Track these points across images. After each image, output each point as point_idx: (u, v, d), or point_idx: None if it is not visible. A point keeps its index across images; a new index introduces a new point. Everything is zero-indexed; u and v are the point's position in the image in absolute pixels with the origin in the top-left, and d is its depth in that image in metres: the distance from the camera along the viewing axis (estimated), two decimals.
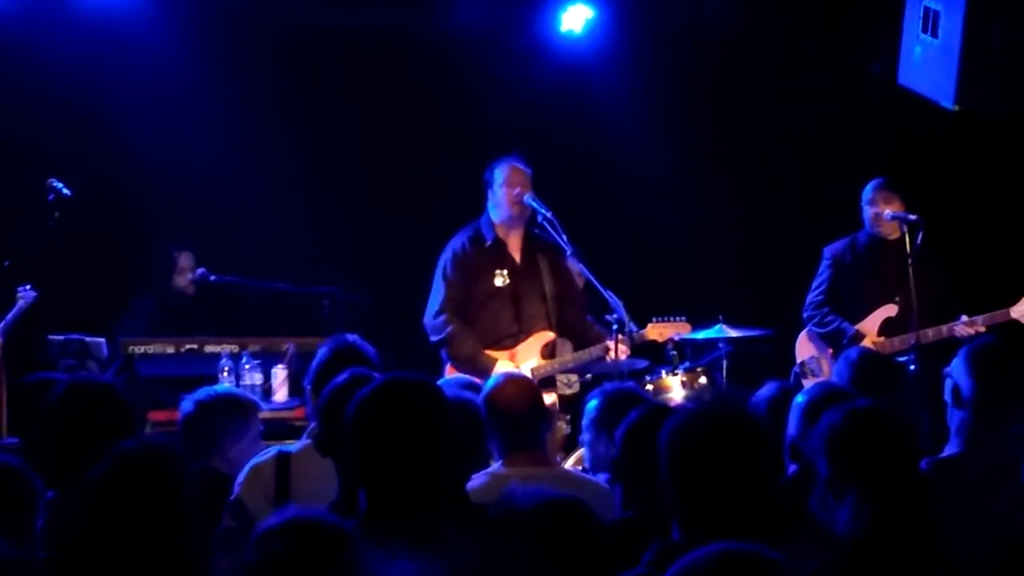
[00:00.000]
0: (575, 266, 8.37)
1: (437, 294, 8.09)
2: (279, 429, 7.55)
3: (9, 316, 8.05)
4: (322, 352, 5.80)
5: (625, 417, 4.47)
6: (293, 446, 5.29)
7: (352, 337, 5.94)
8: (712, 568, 2.58)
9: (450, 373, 7.77)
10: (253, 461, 5.32)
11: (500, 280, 8.12)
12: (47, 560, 4.11)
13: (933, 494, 3.84)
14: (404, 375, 4.06)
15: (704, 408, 3.73)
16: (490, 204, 8.14)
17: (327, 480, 4.50)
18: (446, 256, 8.13)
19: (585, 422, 5.48)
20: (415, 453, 3.71)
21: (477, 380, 6.13)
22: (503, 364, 7.87)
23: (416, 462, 3.71)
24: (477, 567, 3.16)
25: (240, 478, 5.22)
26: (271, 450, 5.33)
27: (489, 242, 8.13)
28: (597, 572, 3.11)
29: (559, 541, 3.08)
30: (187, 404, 5.64)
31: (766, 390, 5.32)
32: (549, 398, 7.99)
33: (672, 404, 6.88)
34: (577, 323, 8.28)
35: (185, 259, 9.03)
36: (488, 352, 7.99)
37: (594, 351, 8.02)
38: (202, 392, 5.65)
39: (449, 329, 7.99)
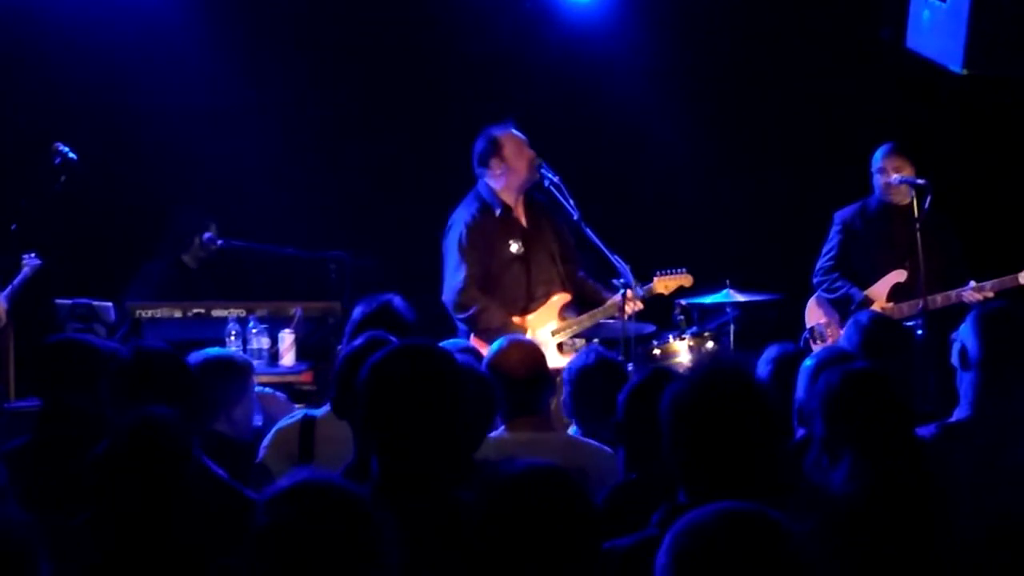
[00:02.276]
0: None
1: (458, 270, 8.02)
2: (286, 393, 7.57)
3: (15, 283, 8.05)
4: (356, 313, 5.81)
5: None
6: (319, 410, 5.29)
7: (388, 297, 5.95)
8: (715, 527, 2.58)
9: (475, 344, 7.74)
10: (278, 425, 5.39)
11: (515, 247, 8.11)
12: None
13: (931, 458, 3.87)
14: (417, 341, 4.06)
15: (703, 374, 3.69)
16: (493, 174, 8.09)
17: (352, 444, 4.48)
18: (459, 230, 8.05)
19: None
20: (427, 418, 3.70)
21: (473, 344, 6.12)
22: (532, 331, 7.91)
23: (428, 427, 3.70)
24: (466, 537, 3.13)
25: (265, 442, 5.30)
26: (297, 414, 5.38)
27: (498, 212, 8.11)
28: (583, 542, 3.07)
29: (543, 510, 3.05)
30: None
31: (770, 352, 5.33)
32: (565, 359, 8.02)
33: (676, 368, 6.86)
34: (579, 280, 8.29)
35: (212, 228, 9.09)
36: (516, 320, 7.99)
37: (607, 309, 8.05)
38: (194, 357, 5.57)
39: (476, 306, 7.94)
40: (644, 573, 2.77)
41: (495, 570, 3.02)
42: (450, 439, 3.74)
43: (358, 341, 4.88)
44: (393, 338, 4.85)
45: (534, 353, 5.59)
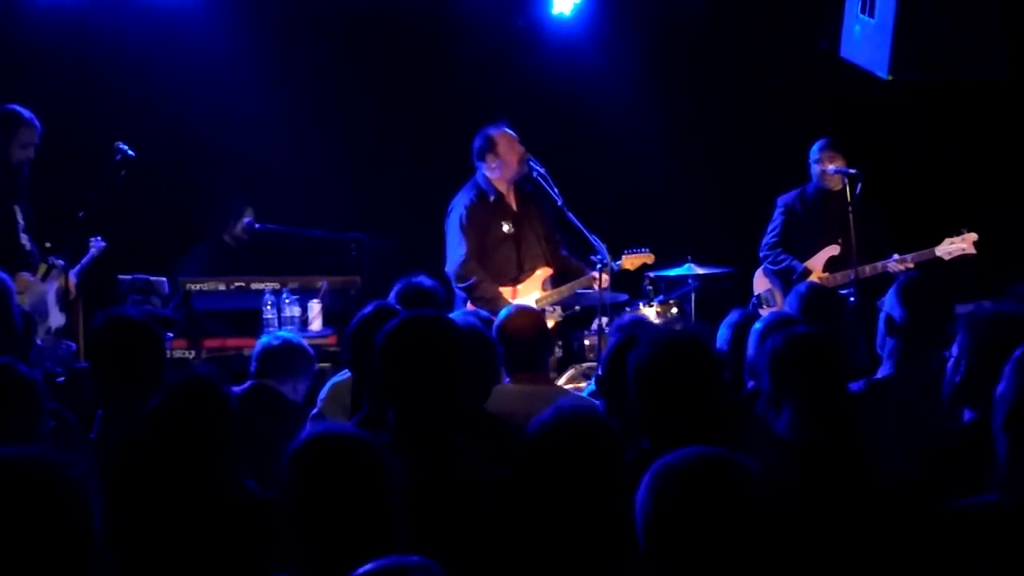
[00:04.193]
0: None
1: (459, 247, 8.04)
2: (315, 354, 7.58)
3: (83, 262, 8.04)
4: (395, 290, 5.85)
5: None
6: None
7: (420, 277, 5.98)
8: (688, 468, 2.62)
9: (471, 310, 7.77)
10: (332, 381, 5.42)
11: (507, 228, 8.15)
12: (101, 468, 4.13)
13: (859, 409, 3.89)
14: (424, 311, 4.08)
15: (658, 342, 3.78)
16: (488, 165, 8.13)
17: None
18: (460, 212, 8.09)
19: None
20: (433, 377, 3.72)
21: (484, 313, 6.15)
22: (520, 298, 7.93)
23: (434, 384, 3.72)
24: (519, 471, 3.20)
25: (322, 395, 5.34)
26: (348, 371, 5.37)
27: (492, 197, 8.15)
28: (614, 467, 3.17)
29: (584, 445, 3.15)
30: (272, 339, 5.81)
31: (731, 317, 5.35)
32: (549, 323, 8.07)
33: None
34: (562, 258, 8.33)
35: (250, 213, 9.11)
36: (504, 292, 8.01)
37: (583, 281, 8.09)
38: (282, 335, 5.84)
39: (475, 278, 7.98)
40: None
41: (547, 482, 3.10)
42: (452, 393, 3.75)
43: (367, 309, 4.90)
44: (399, 308, 4.88)
45: (537, 318, 5.62)
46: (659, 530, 2.59)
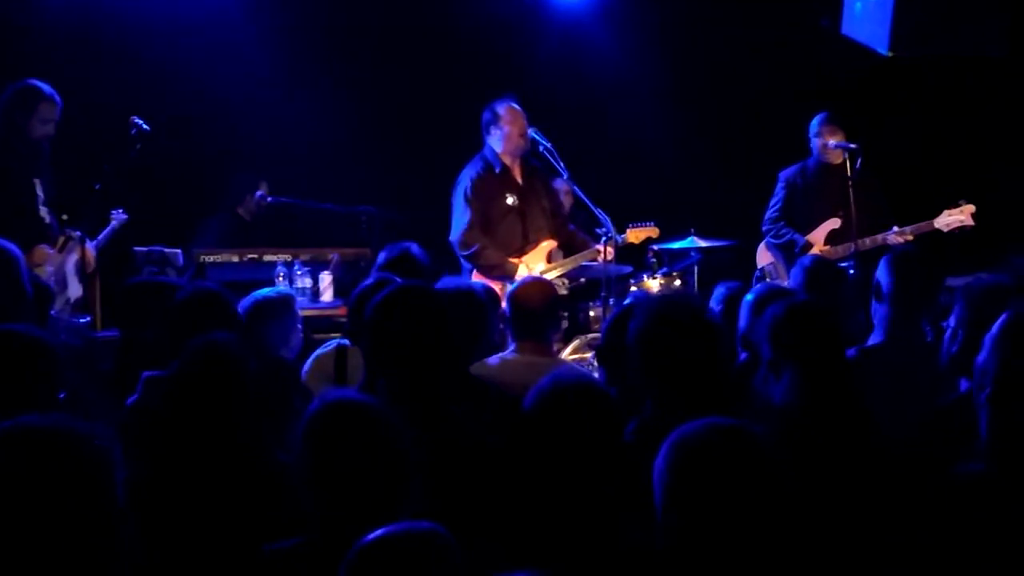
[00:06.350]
0: (560, 186, 8.49)
1: (463, 216, 8.06)
2: (326, 324, 7.64)
3: (103, 235, 8.07)
4: (380, 258, 5.83)
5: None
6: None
7: (407, 244, 5.96)
8: (704, 439, 2.65)
9: (476, 278, 7.81)
10: (316, 353, 5.36)
11: (511, 200, 8.16)
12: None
13: (853, 375, 3.90)
14: (410, 283, 4.11)
15: (657, 310, 3.80)
16: (493, 139, 8.16)
17: None
18: (465, 184, 8.12)
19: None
20: (418, 348, 3.75)
21: (489, 284, 6.17)
22: (524, 269, 7.95)
23: (419, 355, 3.75)
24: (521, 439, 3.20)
25: (305, 368, 5.29)
26: (332, 343, 5.36)
27: (498, 170, 8.17)
28: (613, 435, 3.17)
29: (582, 413, 3.13)
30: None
31: (719, 291, 5.38)
32: None
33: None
34: (566, 232, 8.36)
35: (263, 187, 9.14)
36: (511, 260, 8.06)
37: (588, 254, 8.11)
38: (247, 300, 5.49)
39: (478, 245, 8.00)
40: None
41: (545, 451, 3.09)
42: (438, 364, 3.79)
43: (368, 281, 4.90)
44: (397, 279, 4.88)
45: (549, 290, 5.63)
46: (678, 502, 2.63)
